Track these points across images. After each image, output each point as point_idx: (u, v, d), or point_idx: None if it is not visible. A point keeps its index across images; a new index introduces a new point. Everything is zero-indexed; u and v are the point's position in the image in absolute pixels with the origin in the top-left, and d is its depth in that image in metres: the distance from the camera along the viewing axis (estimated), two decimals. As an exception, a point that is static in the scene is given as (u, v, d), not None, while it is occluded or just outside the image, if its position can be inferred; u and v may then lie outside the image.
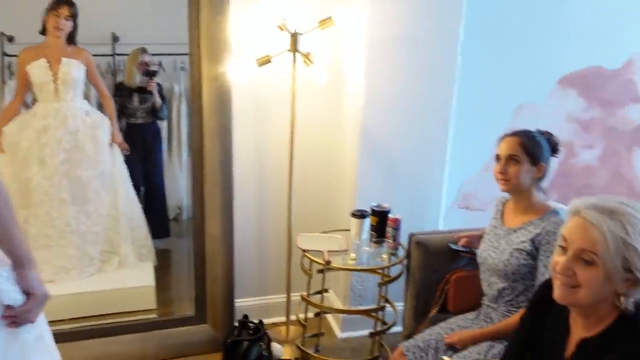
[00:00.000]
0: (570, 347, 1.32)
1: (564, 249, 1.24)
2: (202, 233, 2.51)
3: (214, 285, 2.54)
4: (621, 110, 3.00)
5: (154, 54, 2.79)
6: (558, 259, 1.25)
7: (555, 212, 1.91)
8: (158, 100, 2.82)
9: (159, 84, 2.83)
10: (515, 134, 1.94)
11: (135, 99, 2.83)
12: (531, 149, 1.90)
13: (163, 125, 2.93)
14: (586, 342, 1.28)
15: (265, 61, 2.31)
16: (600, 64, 2.86)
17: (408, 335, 2.09)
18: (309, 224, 2.59)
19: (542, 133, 1.97)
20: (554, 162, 2.05)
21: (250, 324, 2.41)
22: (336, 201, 2.76)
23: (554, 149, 1.97)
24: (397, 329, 2.50)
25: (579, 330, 1.31)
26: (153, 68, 2.79)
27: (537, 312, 1.47)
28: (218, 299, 2.55)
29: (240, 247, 2.63)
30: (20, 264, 1.27)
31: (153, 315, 2.67)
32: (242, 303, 2.72)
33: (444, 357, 1.08)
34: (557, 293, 1.26)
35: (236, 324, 2.50)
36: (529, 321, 1.50)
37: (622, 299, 1.22)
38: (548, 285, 1.43)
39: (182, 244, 3.01)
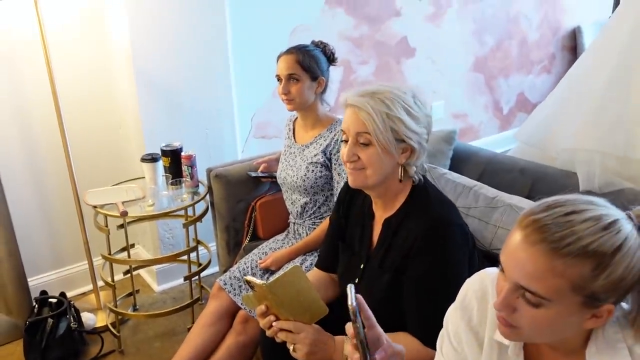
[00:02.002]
0: (377, 229, 1.44)
1: (345, 141, 1.35)
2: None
3: (-1, 268, 2.23)
4: (385, 25, 3.23)
5: None
6: (343, 150, 1.36)
7: (339, 122, 1.99)
8: None
9: None
10: (290, 51, 1.94)
11: None
12: (308, 64, 1.91)
13: None
14: (389, 221, 1.40)
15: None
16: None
17: (225, 271, 2.06)
18: (99, 180, 2.39)
19: (317, 45, 2.00)
20: (335, 82, 2.12)
21: (51, 300, 2.18)
22: (125, 151, 2.59)
23: (331, 59, 2.01)
24: (216, 269, 2.47)
25: (381, 213, 1.44)
26: None
27: (343, 208, 1.57)
28: (7, 282, 2.26)
29: (21, 221, 2.34)
30: None
31: None
32: (39, 280, 2.50)
33: (247, 277, 1.06)
34: (350, 179, 1.38)
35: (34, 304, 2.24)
36: (337, 218, 1.60)
37: (406, 169, 1.36)
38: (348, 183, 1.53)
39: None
